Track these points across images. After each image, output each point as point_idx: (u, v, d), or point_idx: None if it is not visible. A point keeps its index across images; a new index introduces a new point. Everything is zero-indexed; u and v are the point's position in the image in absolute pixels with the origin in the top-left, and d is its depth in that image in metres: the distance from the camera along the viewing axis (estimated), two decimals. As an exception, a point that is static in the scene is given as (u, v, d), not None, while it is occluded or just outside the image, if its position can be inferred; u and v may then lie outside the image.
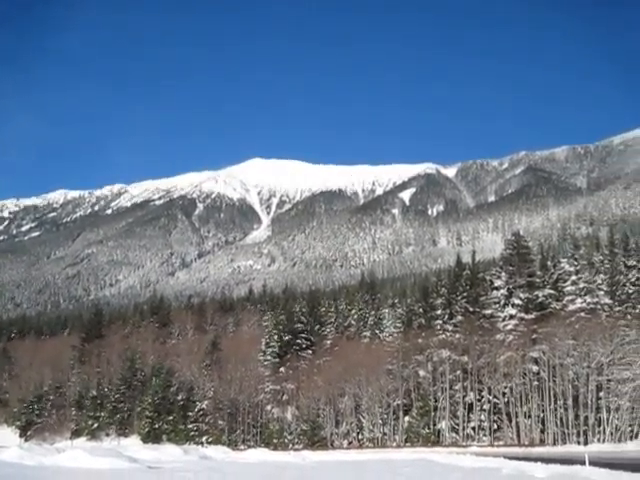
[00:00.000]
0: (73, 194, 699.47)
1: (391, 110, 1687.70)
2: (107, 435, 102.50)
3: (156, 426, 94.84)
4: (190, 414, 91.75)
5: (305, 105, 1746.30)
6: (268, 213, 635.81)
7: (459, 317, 75.43)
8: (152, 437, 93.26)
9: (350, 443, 79.79)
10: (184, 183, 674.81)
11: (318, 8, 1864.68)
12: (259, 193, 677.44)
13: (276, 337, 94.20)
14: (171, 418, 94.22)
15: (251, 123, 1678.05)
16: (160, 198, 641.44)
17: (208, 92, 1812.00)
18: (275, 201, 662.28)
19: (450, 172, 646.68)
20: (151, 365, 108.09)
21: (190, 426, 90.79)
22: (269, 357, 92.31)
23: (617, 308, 70.73)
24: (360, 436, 79.93)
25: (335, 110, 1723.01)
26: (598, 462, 31.85)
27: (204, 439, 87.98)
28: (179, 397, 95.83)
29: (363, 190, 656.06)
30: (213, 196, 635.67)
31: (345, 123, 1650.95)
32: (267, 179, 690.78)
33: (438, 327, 76.97)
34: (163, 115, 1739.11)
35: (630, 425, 60.14)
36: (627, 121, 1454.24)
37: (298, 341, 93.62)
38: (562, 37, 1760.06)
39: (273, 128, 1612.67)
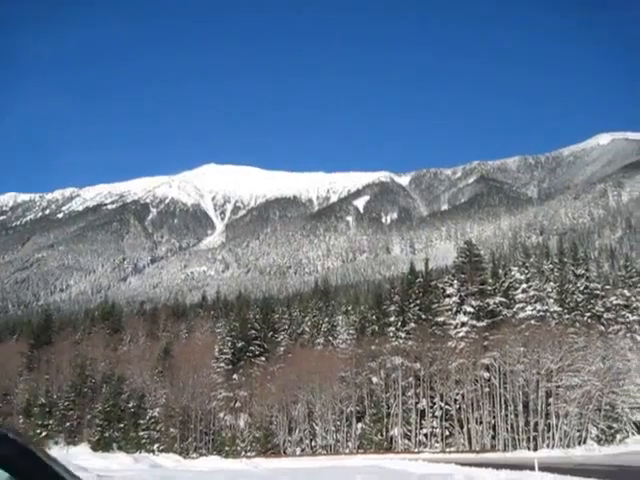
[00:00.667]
0: (23, 197, 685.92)
1: (346, 117, 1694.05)
2: (56, 443, 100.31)
3: (106, 434, 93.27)
4: (141, 422, 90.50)
5: (260, 111, 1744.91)
6: (222, 219, 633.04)
7: (412, 324, 76.02)
8: (102, 445, 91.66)
9: (303, 450, 79.67)
10: (137, 188, 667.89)
11: (265, 13, 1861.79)
12: (213, 199, 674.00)
13: (229, 344, 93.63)
14: (122, 426, 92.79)
15: (206, 129, 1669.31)
16: (113, 202, 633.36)
17: (163, 96, 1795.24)
18: (229, 207, 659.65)
19: (404, 180, 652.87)
20: (102, 372, 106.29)
21: (141, 434, 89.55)
22: (222, 364, 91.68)
23: (566, 316, 72.07)
24: (313, 443, 79.89)
25: (291, 117, 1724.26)
26: (547, 467, 32.43)
27: (155, 447, 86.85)
28: (130, 405, 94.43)
29: (318, 197, 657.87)
30: (167, 201, 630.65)
31: (301, 130, 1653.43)
32: (221, 185, 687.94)
33: (391, 334, 77.41)
34: (117, 119, 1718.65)
35: (578, 431, 61.41)
36: (577, 133, 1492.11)
37: (251, 348, 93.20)
38: (516, 43, 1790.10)
39: (228, 134, 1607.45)
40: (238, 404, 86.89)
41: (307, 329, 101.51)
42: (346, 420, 76.78)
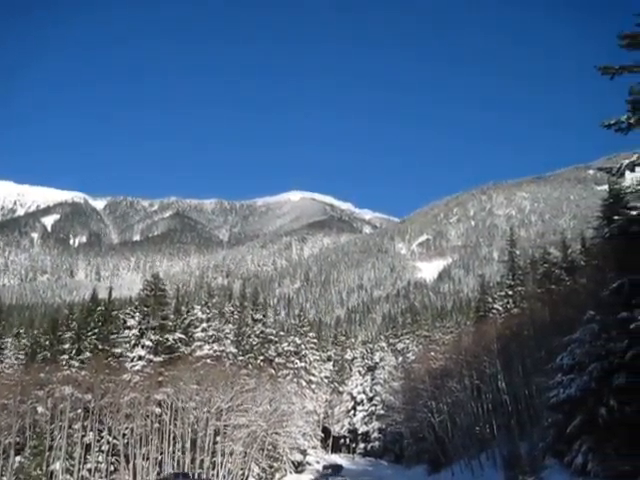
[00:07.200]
0: None
1: (53, 129, 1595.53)
2: None
3: None
4: None
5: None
6: None
7: (88, 354, 73.50)
8: None
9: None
10: None
11: None
12: None
13: None
14: None
15: None
16: None
17: None
18: None
19: (99, 204, 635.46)
20: None
21: None
22: None
23: (240, 357, 75.12)
24: (-40, 477, 72.85)
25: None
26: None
27: None
28: None
29: (2, 208, 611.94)
30: None
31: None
32: None
33: (64, 362, 73.97)
34: None
35: (242, 469, 64.07)
36: (272, 186, 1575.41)
37: None
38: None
39: None
40: None
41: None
42: (3, 452, 71.21)
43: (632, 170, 27.63)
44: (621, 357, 29.22)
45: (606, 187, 44.47)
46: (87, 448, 66.01)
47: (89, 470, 65.31)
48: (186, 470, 61.48)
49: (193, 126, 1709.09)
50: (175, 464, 63.19)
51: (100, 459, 65.78)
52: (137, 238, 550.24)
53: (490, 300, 78.30)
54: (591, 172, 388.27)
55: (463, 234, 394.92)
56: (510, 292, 72.88)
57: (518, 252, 79.82)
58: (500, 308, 73.36)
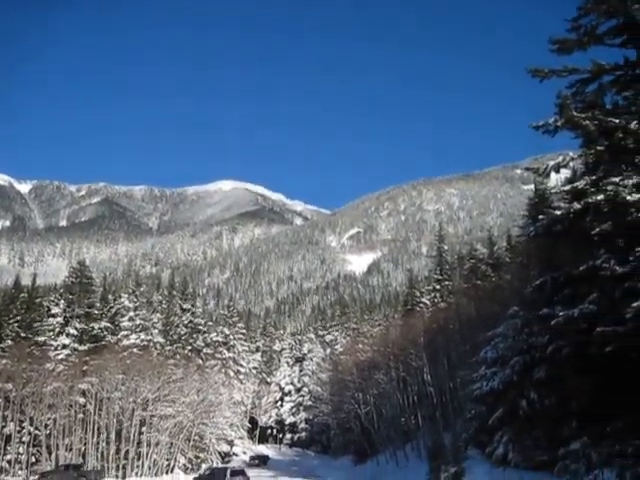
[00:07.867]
0: None
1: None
2: None
3: None
4: None
5: None
6: None
7: (9, 342, 71.56)
8: None
9: None
10: None
11: None
12: None
13: None
14: None
15: None
16: None
17: None
18: None
19: (24, 188, 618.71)
20: None
21: None
22: None
23: (168, 347, 74.40)
24: None
25: None
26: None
27: None
28: None
29: None
30: None
31: None
32: None
33: (-16, 350, 72.10)
34: None
35: (167, 459, 63.52)
36: (203, 175, 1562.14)
37: None
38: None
39: None
40: None
41: None
42: None
43: (557, 171, 28.57)
44: (542, 351, 30.13)
45: (532, 187, 45.97)
46: (7, 439, 64.25)
47: (9, 462, 63.62)
48: (77, 461, 60.47)
49: (123, 111, 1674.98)
50: (99, 455, 62.22)
51: (21, 450, 64.15)
52: (63, 224, 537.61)
53: (418, 294, 79.63)
54: (518, 172, 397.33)
55: (393, 228, 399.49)
56: (437, 286, 74.30)
57: (446, 247, 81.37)
58: (427, 302, 74.75)
